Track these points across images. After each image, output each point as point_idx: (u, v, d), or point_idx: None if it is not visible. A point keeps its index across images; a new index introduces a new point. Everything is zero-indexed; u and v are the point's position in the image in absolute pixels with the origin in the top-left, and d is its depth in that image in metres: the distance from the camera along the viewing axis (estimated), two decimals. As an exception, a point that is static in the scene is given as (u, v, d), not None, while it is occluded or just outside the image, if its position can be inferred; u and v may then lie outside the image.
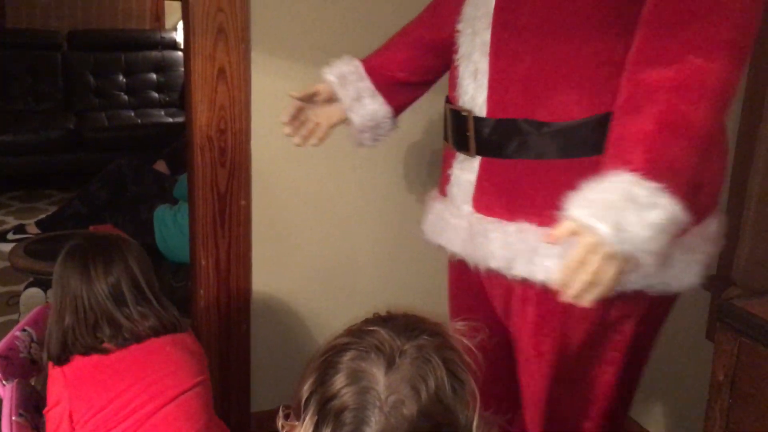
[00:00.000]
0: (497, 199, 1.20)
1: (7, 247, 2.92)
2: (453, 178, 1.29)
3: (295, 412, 0.89)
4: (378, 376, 0.83)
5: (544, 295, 1.15)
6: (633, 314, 1.19)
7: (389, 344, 0.85)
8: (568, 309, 1.08)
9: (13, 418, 1.19)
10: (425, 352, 0.85)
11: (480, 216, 1.22)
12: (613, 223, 0.94)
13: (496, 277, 1.22)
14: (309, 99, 1.46)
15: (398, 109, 1.49)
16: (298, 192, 1.94)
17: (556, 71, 1.11)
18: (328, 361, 0.87)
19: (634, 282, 1.08)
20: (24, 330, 1.44)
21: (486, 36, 1.18)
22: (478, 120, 1.20)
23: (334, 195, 1.99)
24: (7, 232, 3.31)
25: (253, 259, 1.93)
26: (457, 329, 0.92)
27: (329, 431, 0.83)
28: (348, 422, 0.82)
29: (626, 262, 0.97)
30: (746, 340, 1.24)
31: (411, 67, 1.45)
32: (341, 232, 2.02)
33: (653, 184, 0.95)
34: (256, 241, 1.91)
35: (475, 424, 0.85)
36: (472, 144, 1.22)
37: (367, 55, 1.48)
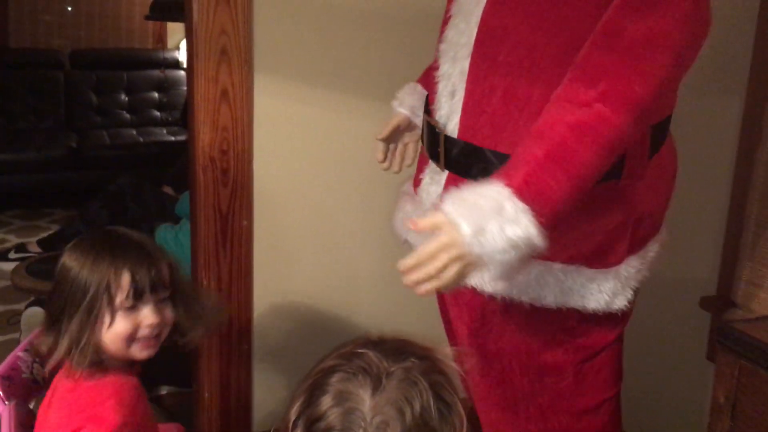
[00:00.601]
0: None
1: (8, 266, 2.92)
2: (423, 185, 1.34)
3: (283, 430, 0.89)
4: (364, 397, 0.84)
5: (473, 300, 1.23)
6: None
7: (376, 366, 0.86)
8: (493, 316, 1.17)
9: (12, 439, 1.19)
10: (412, 374, 0.86)
11: None
12: (475, 225, 1.02)
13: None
14: (393, 135, 1.52)
15: None
16: (300, 212, 1.95)
17: (522, 110, 1.16)
18: (315, 383, 0.87)
19: (550, 299, 1.18)
20: (26, 350, 1.44)
21: (465, 64, 1.22)
22: (448, 139, 1.25)
23: (336, 215, 2.00)
24: (8, 251, 3.32)
25: (255, 278, 1.93)
26: (447, 354, 0.93)
27: None
28: None
29: (472, 266, 1.04)
30: (747, 363, 1.24)
31: None
32: (343, 252, 2.02)
33: (522, 204, 1.02)
34: (258, 260, 1.92)
35: None
36: (442, 159, 1.27)
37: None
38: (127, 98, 4.93)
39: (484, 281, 1.19)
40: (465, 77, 1.22)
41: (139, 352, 1.26)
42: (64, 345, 1.22)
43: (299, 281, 1.99)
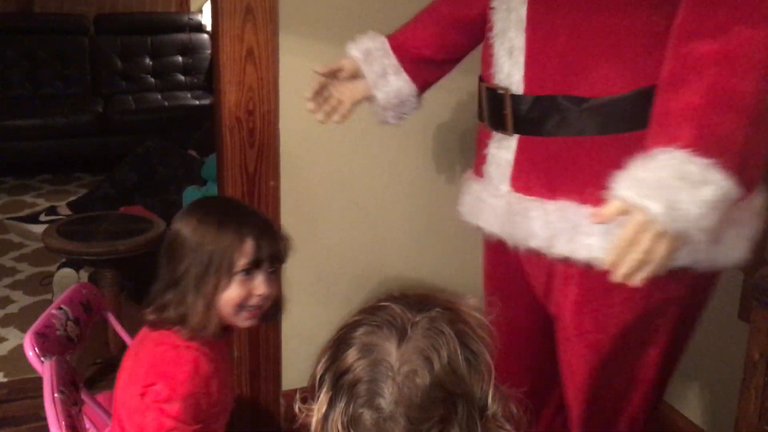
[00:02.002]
0: (536, 178, 1.19)
1: (39, 229, 2.97)
2: (489, 158, 1.27)
3: (310, 393, 0.89)
4: (390, 348, 0.83)
5: (585, 273, 1.15)
6: (678, 293, 1.17)
7: (401, 318, 0.85)
8: (611, 288, 1.07)
9: (55, 395, 1.21)
10: (437, 323, 0.85)
11: (519, 195, 1.21)
12: (665, 201, 0.93)
13: (536, 256, 1.21)
14: (333, 75, 1.44)
15: (423, 86, 1.47)
16: (327, 172, 1.95)
17: (594, 45, 1.09)
18: (340, 338, 0.87)
19: (681, 259, 1.06)
20: (60, 308, 1.46)
21: (522, 12, 1.16)
22: (515, 97, 1.18)
23: (363, 175, 1.99)
24: (39, 213, 3.37)
25: (282, 239, 1.94)
26: (470, 304, 0.92)
27: (343, 405, 0.83)
28: (362, 394, 0.83)
29: (678, 240, 0.96)
30: (782, 318, 1.22)
31: (437, 44, 1.43)
32: (370, 213, 2.02)
33: (704, 161, 0.93)
34: (285, 221, 1.92)
35: (490, 395, 0.85)
36: (510, 122, 1.20)
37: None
38: (151, 63, 4.93)
39: (576, 246, 1.13)
40: (523, 24, 1.16)
41: (243, 320, 1.28)
42: (180, 309, 1.23)
43: (326, 241, 2.00)
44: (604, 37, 1.08)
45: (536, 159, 1.19)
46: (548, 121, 1.14)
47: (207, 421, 1.26)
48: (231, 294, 1.24)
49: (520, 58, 1.17)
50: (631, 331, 1.20)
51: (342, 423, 0.83)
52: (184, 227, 1.26)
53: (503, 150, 1.24)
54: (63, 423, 1.16)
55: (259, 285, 1.26)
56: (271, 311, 1.34)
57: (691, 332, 1.28)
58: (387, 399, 0.82)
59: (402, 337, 0.84)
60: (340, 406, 0.83)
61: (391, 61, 1.42)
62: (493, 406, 0.85)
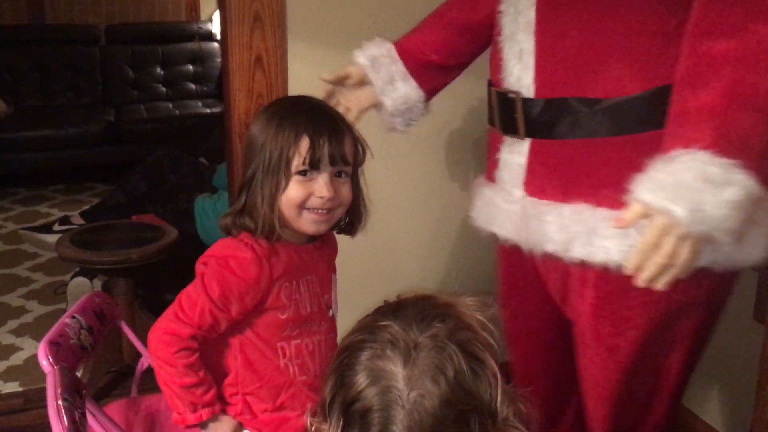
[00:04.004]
0: (550, 181, 1.18)
1: (53, 239, 2.99)
2: (501, 163, 1.26)
3: (320, 411, 0.89)
4: (397, 373, 0.83)
5: (603, 276, 1.13)
6: (697, 294, 1.15)
7: (403, 339, 0.85)
8: (628, 290, 1.06)
9: (59, 402, 1.22)
10: (439, 340, 0.85)
11: (533, 199, 1.20)
12: (689, 204, 0.92)
13: (551, 260, 1.20)
14: (340, 82, 1.44)
15: (431, 92, 1.46)
16: (337, 178, 1.94)
17: (606, 45, 1.08)
18: (345, 362, 0.87)
19: (701, 260, 1.04)
20: (73, 317, 1.46)
21: (530, 14, 1.15)
22: (526, 101, 1.17)
23: (374, 182, 1.97)
24: (52, 223, 3.39)
25: (293, 245, 1.94)
26: (469, 304, 0.91)
27: None
28: (375, 423, 0.83)
29: (702, 242, 0.94)
30: (798, 319, 1.21)
31: (444, 50, 1.42)
32: (381, 219, 2.01)
33: (726, 161, 0.92)
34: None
35: (498, 400, 0.84)
36: (521, 126, 1.19)
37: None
38: (162, 72, 4.95)
39: (593, 249, 1.11)
40: (532, 27, 1.15)
41: (308, 224, 1.23)
42: (248, 211, 1.22)
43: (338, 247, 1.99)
44: (615, 37, 1.07)
45: (549, 162, 1.18)
46: (560, 123, 1.13)
47: (271, 331, 1.25)
48: (290, 194, 1.20)
49: (530, 61, 1.16)
50: (650, 334, 1.18)
51: None
52: (254, 127, 1.24)
53: (515, 154, 1.23)
54: (66, 428, 1.16)
55: (321, 186, 1.20)
56: (350, 222, 1.32)
57: (710, 334, 1.26)
58: (399, 426, 0.82)
59: (407, 360, 0.84)
60: None
61: (399, 67, 1.42)
62: (503, 409, 0.84)
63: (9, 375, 2.40)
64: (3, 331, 2.69)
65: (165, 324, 1.21)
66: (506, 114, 1.22)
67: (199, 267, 1.25)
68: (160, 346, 1.21)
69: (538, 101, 1.15)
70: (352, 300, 2.01)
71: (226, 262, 1.22)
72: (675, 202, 0.92)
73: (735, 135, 0.94)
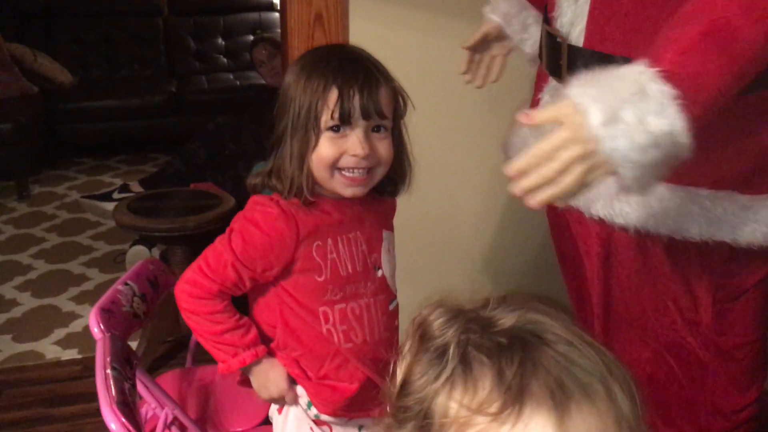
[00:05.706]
0: None
1: (111, 206, 2.98)
2: (542, 105, 1.20)
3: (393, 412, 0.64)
4: None
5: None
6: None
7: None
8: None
9: (107, 371, 1.17)
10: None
11: None
12: (607, 111, 0.81)
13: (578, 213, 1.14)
14: (480, 45, 1.40)
15: None
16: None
17: (659, 12, 0.98)
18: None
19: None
20: (126, 284, 1.42)
21: None
22: (572, 49, 1.10)
23: (435, 144, 1.91)
24: (112, 191, 3.40)
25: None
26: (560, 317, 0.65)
27: None
28: None
29: (598, 168, 0.84)
30: None
31: None
32: (444, 184, 1.94)
33: (669, 88, 0.82)
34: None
35: None
36: (565, 73, 1.11)
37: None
38: (224, 43, 4.95)
39: (613, 211, 1.05)
40: None
41: (342, 187, 1.11)
42: (277, 167, 1.12)
43: (398, 212, 1.92)
44: (670, 3, 0.97)
45: None
46: None
47: (310, 296, 1.16)
48: (321, 152, 1.08)
49: (585, 6, 1.08)
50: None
51: None
52: (287, 78, 1.13)
53: (556, 99, 1.14)
54: (114, 399, 1.11)
55: (354, 143, 1.07)
56: (392, 182, 1.18)
57: None
58: None
59: None
60: None
61: (529, 12, 1.37)
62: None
63: (69, 342, 2.41)
64: (64, 299, 2.71)
65: (189, 274, 1.17)
66: (552, 56, 1.16)
67: (231, 223, 1.19)
68: (183, 297, 1.16)
69: (585, 51, 1.08)
70: (413, 261, 1.95)
71: (252, 216, 1.14)
72: (595, 102, 0.82)
73: (693, 68, 0.85)
